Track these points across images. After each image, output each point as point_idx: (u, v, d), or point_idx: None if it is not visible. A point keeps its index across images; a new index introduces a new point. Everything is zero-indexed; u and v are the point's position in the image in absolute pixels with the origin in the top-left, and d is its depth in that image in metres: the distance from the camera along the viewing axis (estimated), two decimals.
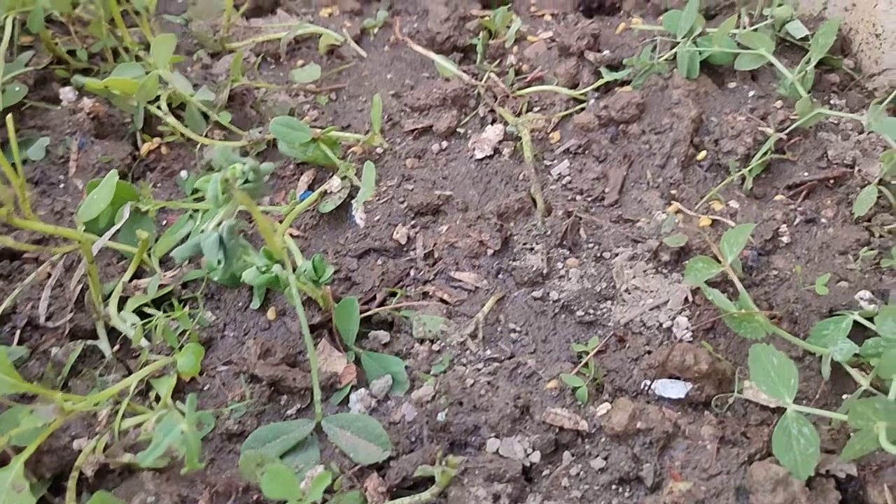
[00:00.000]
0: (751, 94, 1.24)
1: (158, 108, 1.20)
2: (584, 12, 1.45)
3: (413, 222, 1.14)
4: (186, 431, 0.77)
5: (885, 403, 0.77)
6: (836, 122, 1.20)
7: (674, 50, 1.26)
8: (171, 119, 1.17)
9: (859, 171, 1.12)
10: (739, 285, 0.93)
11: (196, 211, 1.09)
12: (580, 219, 1.11)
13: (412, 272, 1.08)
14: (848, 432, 0.87)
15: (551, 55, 1.35)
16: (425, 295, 1.05)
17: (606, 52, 1.31)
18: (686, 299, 1.01)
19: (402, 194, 1.17)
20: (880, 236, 1.07)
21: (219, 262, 0.79)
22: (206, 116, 1.24)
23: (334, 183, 1.15)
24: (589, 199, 1.15)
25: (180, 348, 0.93)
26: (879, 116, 1.09)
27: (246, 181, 0.79)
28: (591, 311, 1.02)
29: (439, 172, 1.21)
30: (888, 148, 1.10)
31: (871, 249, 1.05)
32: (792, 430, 0.81)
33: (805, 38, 1.29)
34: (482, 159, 1.22)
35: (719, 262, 0.95)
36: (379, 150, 1.23)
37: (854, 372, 0.90)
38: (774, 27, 1.32)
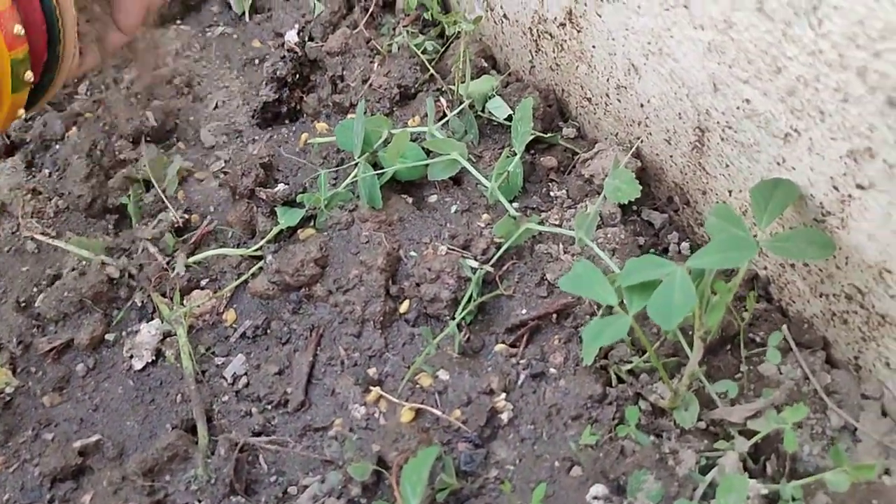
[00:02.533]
0: (453, 208, 1.01)
1: None
2: (261, 124, 1.18)
3: (50, 496, 0.87)
4: None
5: None
6: (557, 231, 0.99)
7: (353, 174, 1.02)
8: None
9: None
10: None
11: None
12: (254, 446, 0.87)
13: None
14: None
15: (224, 195, 1.09)
16: None
17: (281, 185, 1.06)
18: None
19: (39, 452, 0.90)
20: (619, 381, 0.87)
21: None
22: None
23: None
24: (270, 406, 0.91)
25: None
26: (590, 228, 0.88)
27: None
28: None
29: (88, 404, 0.95)
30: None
31: (608, 404, 0.84)
32: None
33: (510, 118, 1.06)
34: (142, 370, 0.96)
35: None
36: (9, 391, 0.95)
37: None
38: (475, 107, 1.09)
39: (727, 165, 0.85)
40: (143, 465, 0.85)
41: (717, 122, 0.82)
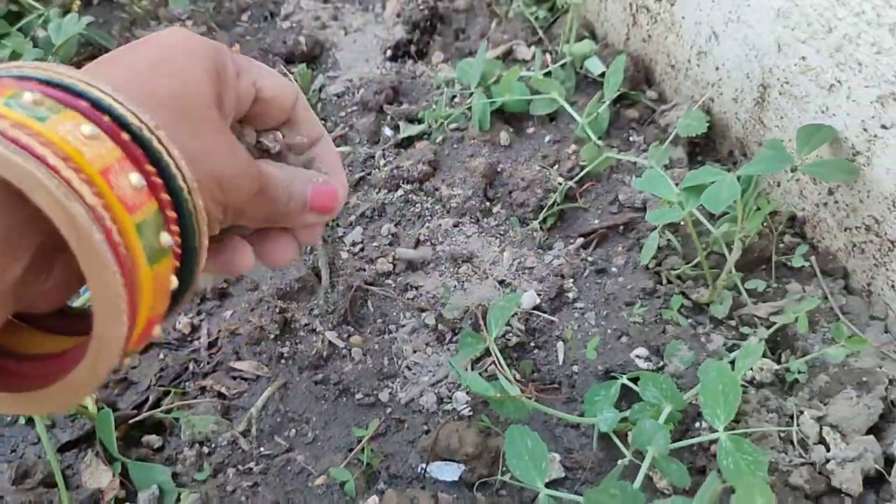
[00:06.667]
0: (547, 139, 1.21)
1: None
2: (392, 58, 1.41)
3: (198, 308, 1.10)
4: None
5: (622, 489, 0.74)
6: (633, 161, 1.18)
7: (469, 101, 1.23)
8: None
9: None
10: (499, 362, 0.91)
11: None
12: (366, 291, 1.08)
13: (191, 366, 1.04)
14: None
15: (357, 108, 1.32)
16: (203, 390, 1.01)
17: (406, 104, 1.28)
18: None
19: None
20: (668, 282, 1.05)
21: None
22: None
23: None
24: (377, 268, 1.11)
25: None
26: (661, 159, 1.08)
27: None
28: (372, 392, 0.99)
29: None
30: None
31: (657, 297, 1.03)
32: None
33: (603, 75, 1.27)
34: None
35: None
36: None
37: (619, 442, 0.88)
38: (574, 64, 1.30)
39: (781, 117, 1.04)
40: (277, 291, 1.07)
41: (778, 79, 1.01)
